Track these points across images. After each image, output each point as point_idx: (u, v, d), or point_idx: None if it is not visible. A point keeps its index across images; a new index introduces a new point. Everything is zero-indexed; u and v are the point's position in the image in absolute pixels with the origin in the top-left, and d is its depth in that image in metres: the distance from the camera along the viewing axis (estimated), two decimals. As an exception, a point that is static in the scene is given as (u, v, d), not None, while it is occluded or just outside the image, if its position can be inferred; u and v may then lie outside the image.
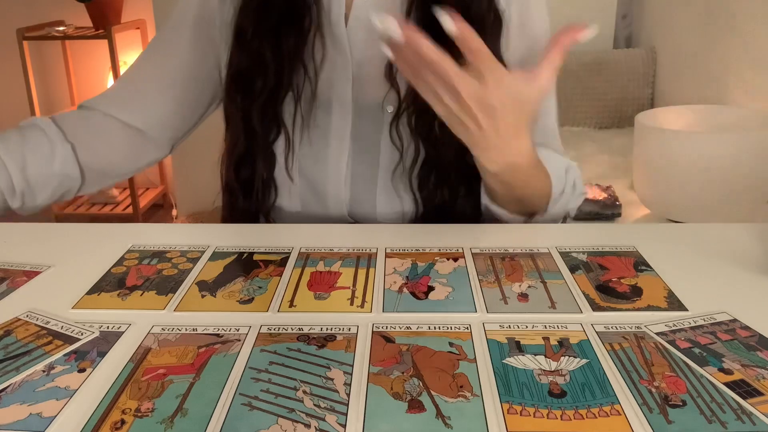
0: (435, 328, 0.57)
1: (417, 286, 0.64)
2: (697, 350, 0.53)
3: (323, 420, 0.46)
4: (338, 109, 0.84)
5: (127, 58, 2.88)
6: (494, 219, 0.83)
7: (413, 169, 0.83)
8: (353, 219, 0.88)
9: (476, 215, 0.85)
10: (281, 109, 0.83)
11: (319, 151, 0.85)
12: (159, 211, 3.15)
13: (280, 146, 0.85)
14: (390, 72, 0.81)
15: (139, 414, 0.46)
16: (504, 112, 0.65)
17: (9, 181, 0.81)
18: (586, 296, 0.62)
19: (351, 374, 0.50)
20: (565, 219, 0.86)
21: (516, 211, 0.81)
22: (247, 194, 0.87)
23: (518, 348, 0.54)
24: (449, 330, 0.56)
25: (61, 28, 2.82)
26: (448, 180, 0.83)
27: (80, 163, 0.86)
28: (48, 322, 0.58)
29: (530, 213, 0.82)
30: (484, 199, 0.81)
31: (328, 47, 0.83)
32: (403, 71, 0.66)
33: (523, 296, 0.62)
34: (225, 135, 0.89)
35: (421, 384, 0.49)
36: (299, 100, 0.83)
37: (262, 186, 0.86)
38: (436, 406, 0.47)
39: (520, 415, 0.46)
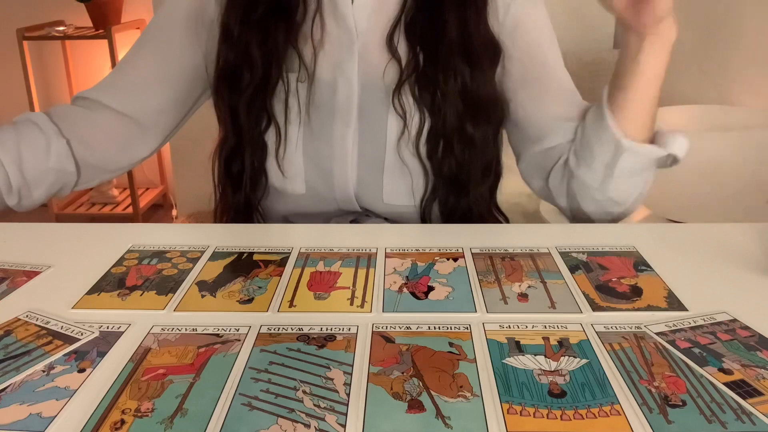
0: (435, 328, 0.57)
1: (417, 286, 0.64)
2: (697, 350, 0.53)
3: (323, 420, 0.46)
4: (343, 88, 0.83)
5: (127, 58, 2.87)
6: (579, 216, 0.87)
7: (419, 138, 0.83)
8: (359, 202, 0.88)
9: (483, 208, 0.86)
10: (271, 101, 0.84)
11: (324, 131, 0.85)
12: (159, 211, 3.15)
13: (271, 138, 0.85)
14: (390, 42, 0.81)
15: (139, 414, 0.46)
16: None
17: (6, 178, 0.80)
18: (586, 296, 0.62)
19: (351, 374, 0.50)
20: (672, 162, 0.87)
21: (643, 126, 0.84)
22: (237, 187, 0.87)
23: (518, 348, 0.54)
24: (449, 330, 0.56)
25: (61, 28, 2.82)
26: (454, 149, 0.83)
27: (76, 158, 0.86)
28: (48, 322, 0.58)
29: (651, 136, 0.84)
30: (610, 122, 0.84)
31: (330, 28, 0.83)
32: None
33: (523, 296, 0.62)
34: (219, 131, 0.89)
35: (421, 384, 0.49)
36: (293, 89, 0.83)
37: (252, 178, 0.87)
38: (436, 406, 0.47)
39: (520, 415, 0.46)
